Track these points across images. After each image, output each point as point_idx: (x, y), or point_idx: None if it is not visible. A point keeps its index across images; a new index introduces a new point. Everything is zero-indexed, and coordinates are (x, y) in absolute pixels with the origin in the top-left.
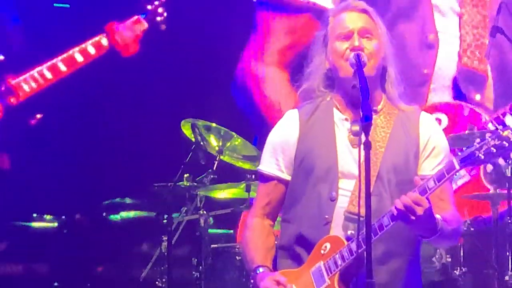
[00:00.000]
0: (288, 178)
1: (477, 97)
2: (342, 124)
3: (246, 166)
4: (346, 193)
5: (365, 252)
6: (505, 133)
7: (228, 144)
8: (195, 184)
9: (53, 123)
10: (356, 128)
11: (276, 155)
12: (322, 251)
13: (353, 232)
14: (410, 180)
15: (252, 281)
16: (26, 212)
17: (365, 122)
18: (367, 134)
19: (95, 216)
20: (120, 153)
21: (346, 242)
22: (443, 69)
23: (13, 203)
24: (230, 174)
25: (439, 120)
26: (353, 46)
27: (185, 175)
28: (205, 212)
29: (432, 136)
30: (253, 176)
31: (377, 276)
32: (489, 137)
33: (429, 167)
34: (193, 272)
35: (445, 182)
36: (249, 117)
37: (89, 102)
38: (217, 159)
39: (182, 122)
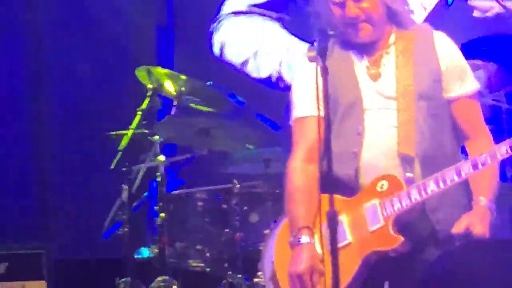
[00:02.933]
0: (321, 114)
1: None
2: (360, 60)
3: (206, 109)
4: (373, 126)
5: None
6: None
7: (185, 88)
8: (153, 130)
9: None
10: (312, 54)
11: (308, 97)
12: (378, 189)
13: (411, 174)
14: (438, 105)
15: (292, 238)
16: None
17: (321, 46)
18: (323, 59)
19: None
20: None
21: (405, 186)
22: None
23: None
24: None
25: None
26: (348, 18)
27: (142, 122)
28: (164, 158)
29: (452, 56)
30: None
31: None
32: None
33: (457, 87)
34: (155, 220)
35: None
36: None
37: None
38: (174, 104)
39: (137, 69)
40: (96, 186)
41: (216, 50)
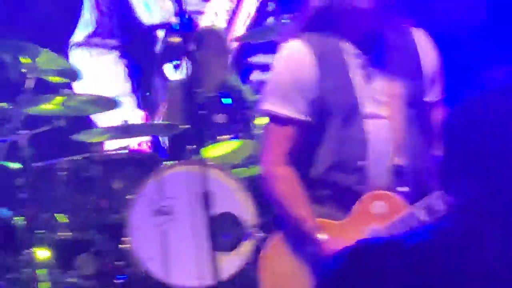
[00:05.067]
0: (309, 119)
1: None
2: (352, 59)
3: (61, 79)
4: (373, 136)
5: None
6: None
7: (39, 59)
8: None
9: None
10: (177, 39)
11: (293, 95)
12: (375, 210)
13: (405, 188)
14: (422, 110)
15: (309, 244)
16: None
17: (186, 31)
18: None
19: None
20: None
21: (408, 207)
22: None
23: None
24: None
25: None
26: None
27: None
28: (26, 131)
29: (432, 57)
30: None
31: None
32: None
33: (434, 93)
34: (19, 194)
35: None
36: None
37: None
38: (29, 76)
39: None
40: None
41: None
